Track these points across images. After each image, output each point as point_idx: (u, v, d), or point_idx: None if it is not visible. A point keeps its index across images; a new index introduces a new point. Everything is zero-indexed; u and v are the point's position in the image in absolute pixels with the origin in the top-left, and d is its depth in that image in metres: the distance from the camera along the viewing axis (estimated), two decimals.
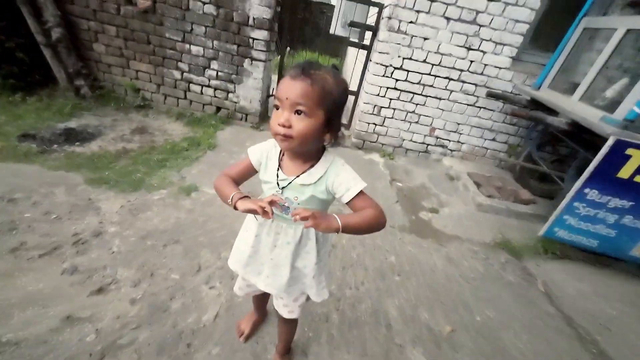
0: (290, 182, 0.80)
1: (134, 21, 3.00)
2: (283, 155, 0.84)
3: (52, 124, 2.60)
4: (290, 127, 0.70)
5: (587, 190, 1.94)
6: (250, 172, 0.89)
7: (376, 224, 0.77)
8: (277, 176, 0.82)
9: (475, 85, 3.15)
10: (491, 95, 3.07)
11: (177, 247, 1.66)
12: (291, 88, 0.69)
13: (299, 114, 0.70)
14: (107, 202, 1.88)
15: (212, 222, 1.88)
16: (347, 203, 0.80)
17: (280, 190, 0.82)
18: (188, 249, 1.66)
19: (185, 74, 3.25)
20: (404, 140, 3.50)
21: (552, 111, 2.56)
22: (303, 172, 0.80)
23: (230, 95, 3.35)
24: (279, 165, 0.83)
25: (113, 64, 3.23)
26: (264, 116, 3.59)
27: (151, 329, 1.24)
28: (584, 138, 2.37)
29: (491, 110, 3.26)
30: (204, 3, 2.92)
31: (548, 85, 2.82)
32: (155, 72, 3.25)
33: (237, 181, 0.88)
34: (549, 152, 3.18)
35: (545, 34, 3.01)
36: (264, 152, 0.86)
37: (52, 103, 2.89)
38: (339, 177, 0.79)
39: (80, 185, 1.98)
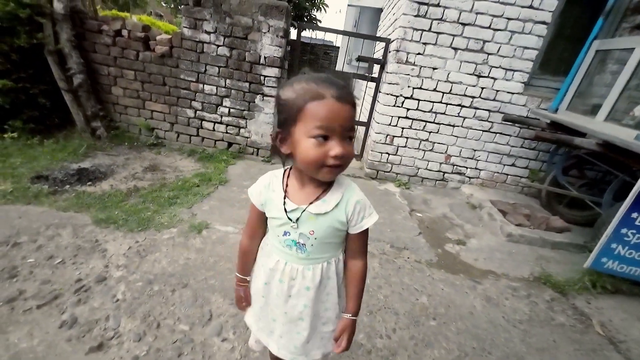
0: (302, 212, 0.70)
1: (152, 65, 3.14)
2: (287, 184, 0.74)
3: (65, 165, 2.61)
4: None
5: (634, 214, 1.75)
6: (262, 217, 0.79)
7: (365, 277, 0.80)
8: (285, 209, 0.71)
9: (489, 111, 3.10)
10: (507, 120, 3.00)
11: (186, 291, 1.51)
12: (342, 114, 0.60)
13: (350, 139, 0.64)
14: (115, 244, 1.78)
15: (223, 262, 1.74)
16: (351, 233, 0.74)
17: (295, 224, 0.70)
18: (198, 293, 1.50)
19: (198, 112, 3.31)
20: (419, 169, 3.40)
21: (574, 133, 2.45)
22: (316, 200, 0.70)
23: (242, 130, 3.37)
24: (285, 195, 0.72)
25: (130, 105, 3.33)
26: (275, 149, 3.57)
27: None
28: (614, 159, 2.22)
29: (508, 135, 3.17)
30: (218, 46, 3.05)
31: (566, 108, 2.75)
32: (169, 112, 3.32)
33: (261, 233, 0.84)
34: (575, 177, 3.02)
35: (555, 59, 3.02)
36: (263, 189, 0.76)
37: (68, 144, 2.94)
38: (360, 203, 0.72)
39: (88, 225, 1.90)
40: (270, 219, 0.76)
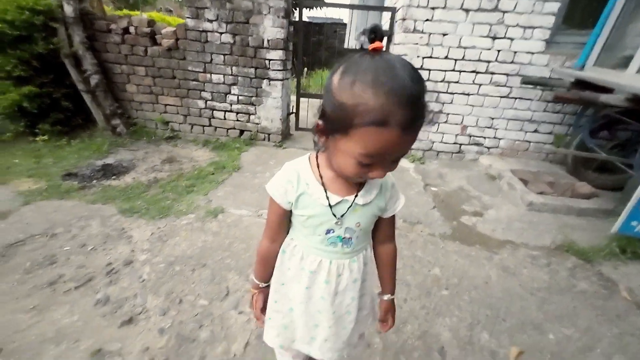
0: (350, 205, 0.63)
1: (160, 59, 3.21)
2: (321, 175, 0.63)
3: (91, 162, 2.79)
4: None
5: None
6: (287, 216, 0.70)
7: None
8: (330, 205, 0.62)
9: (507, 75, 2.91)
10: (527, 82, 2.81)
11: (205, 271, 1.60)
12: (403, 145, 0.48)
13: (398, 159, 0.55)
14: (139, 230, 1.91)
15: (238, 243, 1.82)
16: (384, 218, 0.72)
17: (340, 220, 0.63)
18: (215, 272, 1.60)
19: (208, 102, 3.37)
20: (433, 142, 3.29)
21: (603, 91, 2.25)
22: (360, 189, 0.64)
23: (252, 117, 3.41)
24: (324, 189, 0.63)
25: (144, 101, 3.45)
26: (286, 134, 3.59)
27: None
28: None
29: (528, 99, 2.97)
30: (221, 33, 3.06)
31: (593, 63, 2.52)
32: (181, 104, 3.41)
33: (284, 235, 0.73)
34: (605, 138, 2.80)
35: (580, 10, 2.74)
36: (288, 185, 0.64)
37: (92, 143, 3.12)
38: (394, 187, 0.69)
39: (115, 215, 2.04)
40: (305, 217, 0.65)
